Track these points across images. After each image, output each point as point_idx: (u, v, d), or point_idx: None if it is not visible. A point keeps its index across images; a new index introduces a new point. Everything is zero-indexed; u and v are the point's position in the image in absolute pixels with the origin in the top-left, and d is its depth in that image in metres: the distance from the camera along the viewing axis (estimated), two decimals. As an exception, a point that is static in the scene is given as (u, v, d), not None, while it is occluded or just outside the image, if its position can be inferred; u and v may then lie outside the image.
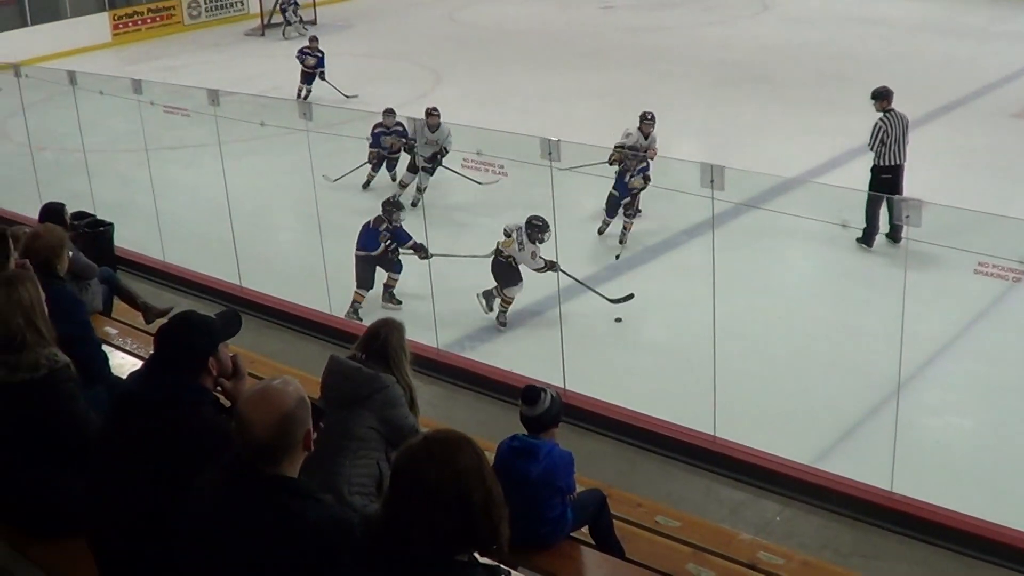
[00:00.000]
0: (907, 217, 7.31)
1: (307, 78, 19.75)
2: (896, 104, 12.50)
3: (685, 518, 6.27)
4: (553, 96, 19.48)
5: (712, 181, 7.61)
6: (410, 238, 11.15)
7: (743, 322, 9.93)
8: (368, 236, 11.14)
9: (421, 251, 10.92)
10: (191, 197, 13.44)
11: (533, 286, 10.84)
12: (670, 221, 12.04)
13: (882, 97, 12.39)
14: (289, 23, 27.27)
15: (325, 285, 10.18)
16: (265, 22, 28.02)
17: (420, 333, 8.58)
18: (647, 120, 13.23)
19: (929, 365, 9.52)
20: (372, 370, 5.22)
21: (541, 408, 5.29)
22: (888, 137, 12.15)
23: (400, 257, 11.20)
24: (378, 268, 11.21)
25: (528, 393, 5.34)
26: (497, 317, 10.83)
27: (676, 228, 12.25)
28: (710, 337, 8.04)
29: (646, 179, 12.51)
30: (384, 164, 15.04)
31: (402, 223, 11.26)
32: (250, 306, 10.26)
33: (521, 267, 10.75)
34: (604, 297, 10.50)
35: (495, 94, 19.70)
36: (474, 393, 8.87)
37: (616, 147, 13.06)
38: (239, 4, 30.30)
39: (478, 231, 12.47)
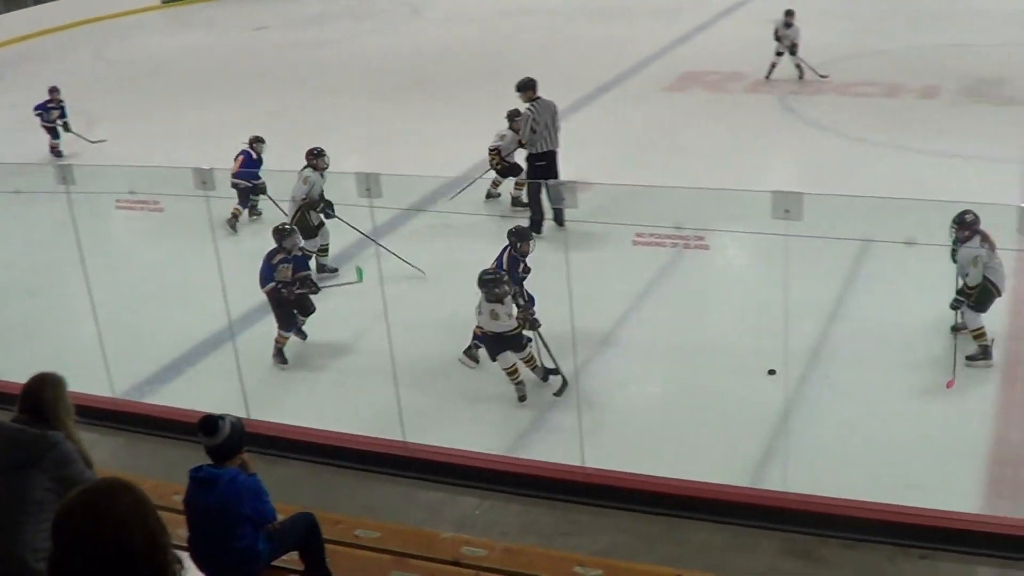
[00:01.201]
0: (563, 200, 7.54)
1: (53, 132, 17.96)
2: (552, 91, 12.92)
3: (385, 527, 6.33)
4: (218, 125, 18.57)
5: (368, 190, 7.60)
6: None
7: (418, 324, 9.98)
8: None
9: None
10: None
11: (207, 320, 10.21)
12: (340, 235, 11.82)
13: (526, 88, 12.73)
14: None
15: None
16: None
17: (91, 383, 8.18)
18: (517, 118, 13.01)
19: (610, 339, 9.88)
20: (37, 430, 4.92)
21: (222, 436, 5.21)
22: (537, 125, 12.51)
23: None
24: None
25: (206, 423, 5.25)
26: (544, 378, 9.31)
27: (344, 242, 11.95)
28: (386, 344, 8.01)
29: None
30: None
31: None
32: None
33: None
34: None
35: (155, 131, 18.83)
36: (158, 438, 8.53)
37: (491, 150, 13.10)
38: None
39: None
